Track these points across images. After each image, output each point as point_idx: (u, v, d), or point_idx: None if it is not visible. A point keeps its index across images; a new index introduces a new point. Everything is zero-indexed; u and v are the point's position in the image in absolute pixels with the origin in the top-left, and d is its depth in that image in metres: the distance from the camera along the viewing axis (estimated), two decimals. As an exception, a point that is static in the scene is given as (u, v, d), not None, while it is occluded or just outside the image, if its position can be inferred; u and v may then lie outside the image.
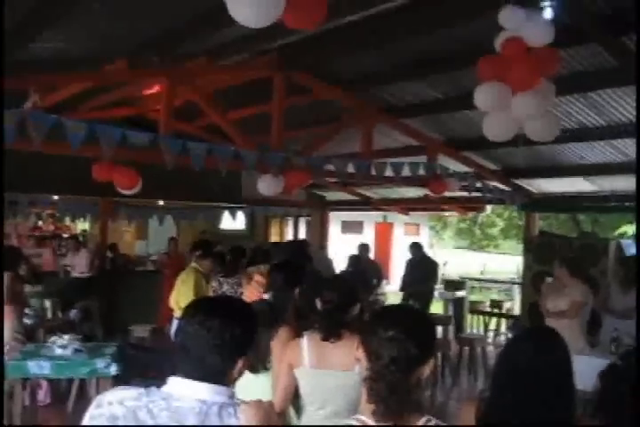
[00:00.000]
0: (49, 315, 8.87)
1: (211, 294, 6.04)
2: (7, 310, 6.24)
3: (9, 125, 4.65)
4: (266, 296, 3.58)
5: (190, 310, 1.78)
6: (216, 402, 1.64)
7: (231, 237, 13.08)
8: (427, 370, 1.82)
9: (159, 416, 1.61)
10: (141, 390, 1.69)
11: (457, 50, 5.96)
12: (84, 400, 6.64)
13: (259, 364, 3.05)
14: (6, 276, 6.29)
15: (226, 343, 1.68)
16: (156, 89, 7.29)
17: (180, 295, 6.19)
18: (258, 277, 4.98)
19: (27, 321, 6.86)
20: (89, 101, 8.01)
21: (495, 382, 2.20)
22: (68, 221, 14.44)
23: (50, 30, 5.00)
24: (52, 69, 6.03)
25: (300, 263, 4.12)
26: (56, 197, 10.99)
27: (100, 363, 5.47)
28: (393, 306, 2.39)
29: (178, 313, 6.35)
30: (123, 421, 1.61)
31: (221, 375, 1.69)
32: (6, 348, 6.11)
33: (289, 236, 16.03)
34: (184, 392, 1.65)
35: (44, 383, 6.59)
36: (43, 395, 6.64)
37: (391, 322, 1.82)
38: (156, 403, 1.64)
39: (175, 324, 6.40)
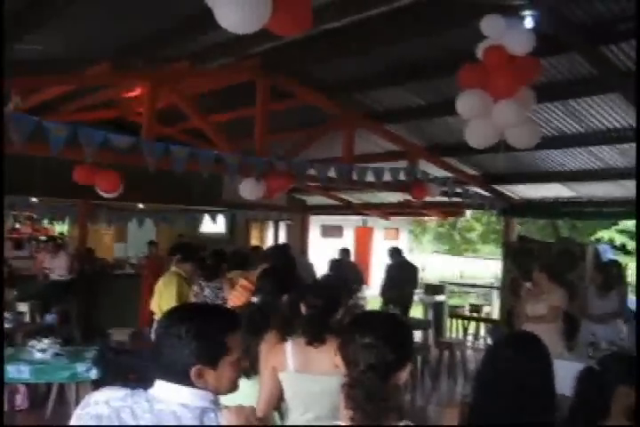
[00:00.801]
0: (27, 318, 8.79)
1: (192, 298, 6.02)
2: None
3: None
4: (254, 300, 3.58)
5: (164, 317, 1.79)
6: (198, 406, 1.64)
7: (211, 241, 13.03)
8: (404, 375, 1.84)
9: (142, 418, 1.62)
10: (128, 391, 1.70)
11: (439, 57, 6.04)
12: (63, 405, 6.58)
13: (250, 369, 3.06)
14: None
15: (203, 350, 1.66)
16: (138, 91, 7.27)
17: (163, 300, 6.14)
18: (243, 282, 4.97)
19: (5, 325, 6.81)
20: (71, 103, 7.97)
21: (478, 387, 2.22)
22: (45, 223, 14.34)
23: (34, 32, 4.98)
24: (35, 71, 5.99)
25: (288, 269, 4.12)
26: (34, 200, 10.90)
27: (80, 367, 5.44)
28: (369, 312, 2.42)
29: (159, 317, 6.32)
30: (107, 421, 1.62)
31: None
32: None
33: (269, 240, 16.01)
34: (167, 395, 1.65)
35: (22, 388, 6.53)
36: (21, 400, 6.57)
37: (367, 329, 1.84)
38: (139, 404, 1.65)
39: (156, 327, 6.37)
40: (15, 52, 5.55)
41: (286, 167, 6.50)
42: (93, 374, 5.45)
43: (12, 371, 5.30)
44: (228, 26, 2.92)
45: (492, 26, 4.31)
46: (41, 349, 5.58)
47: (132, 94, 7.59)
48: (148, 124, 6.02)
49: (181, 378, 1.65)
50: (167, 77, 6.37)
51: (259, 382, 3.07)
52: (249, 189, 6.53)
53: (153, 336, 6.45)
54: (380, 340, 1.78)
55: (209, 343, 1.69)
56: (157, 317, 6.39)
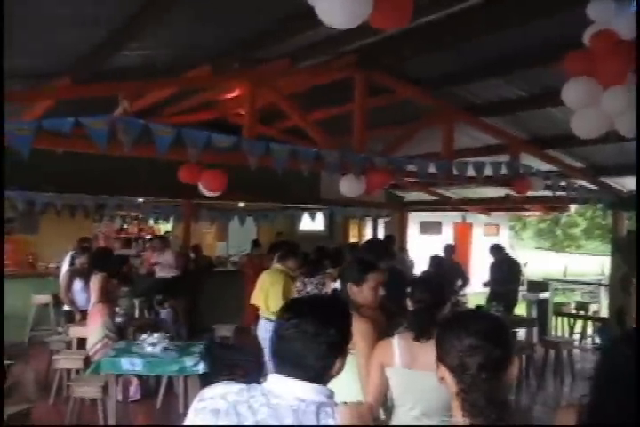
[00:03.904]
0: (136, 314, 9.16)
1: (295, 294, 6.10)
2: (100, 308, 6.49)
3: (101, 131, 4.84)
4: (336, 286, 3.60)
5: (285, 312, 1.80)
6: (314, 401, 1.66)
7: (310, 239, 13.18)
8: (515, 371, 1.80)
9: (259, 411, 1.65)
10: (243, 385, 1.74)
11: (539, 46, 5.83)
12: (171, 397, 6.84)
13: None
14: (100, 275, 6.55)
15: (322, 345, 1.70)
16: (237, 93, 7.42)
17: (270, 297, 6.25)
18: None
19: (117, 320, 7.11)
20: (173, 106, 8.24)
21: (595, 388, 2.13)
22: (151, 223, 14.87)
23: (138, 40, 5.16)
24: (140, 76, 6.22)
25: (370, 260, 4.06)
26: (140, 200, 11.34)
27: (188, 361, 5.60)
28: (461, 314, 2.36)
29: (265, 313, 6.44)
30: (224, 415, 1.66)
31: (320, 375, 1.71)
32: (99, 345, 6.37)
33: (368, 237, 16.01)
34: (283, 390, 1.68)
35: (135, 380, 6.81)
36: (133, 391, 6.86)
37: (465, 331, 1.79)
38: (256, 398, 1.67)
39: (262, 324, 6.50)
40: (122, 58, 5.78)
41: (386, 163, 6.46)
42: (201, 368, 5.59)
43: (125, 364, 5.53)
44: (330, 22, 2.93)
45: (600, 10, 4.14)
46: (152, 343, 5.80)
47: (231, 95, 7.76)
48: (249, 123, 6.12)
49: (305, 372, 1.69)
50: (266, 77, 6.46)
51: (359, 377, 3.08)
52: (349, 186, 6.53)
53: (258, 332, 6.60)
54: (481, 338, 1.74)
55: (338, 336, 1.73)
56: (262, 313, 6.52)
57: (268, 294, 6.33)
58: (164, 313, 8.80)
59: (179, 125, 5.44)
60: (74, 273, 8.17)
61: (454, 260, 11.03)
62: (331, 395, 1.71)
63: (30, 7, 4.31)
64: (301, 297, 4.13)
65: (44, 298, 10.00)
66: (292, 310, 1.81)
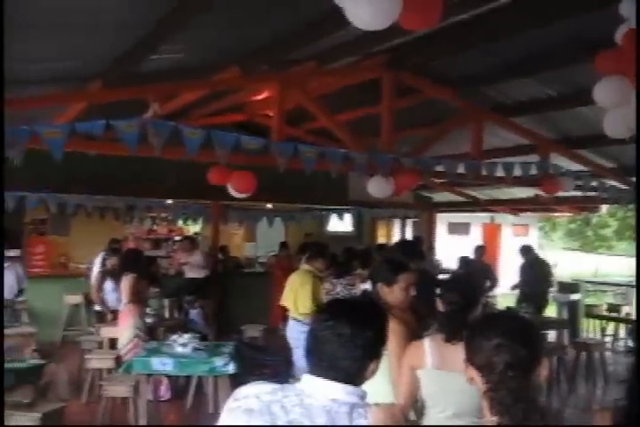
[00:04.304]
0: (166, 314, 9.24)
1: (324, 295, 6.11)
2: (130, 308, 6.57)
3: (132, 133, 4.90)
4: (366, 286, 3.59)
5: (321, 313, 1.82)
6: (347, 402, 1.66)
7: (338, 240, 13.18)
8: (545, 371, 1.80)
9: (292, 411, 1.65)
10: (276, 385, 1.75)
11: (569, 45, 5.77)
12: (201, 397, 6.89)
13: None
14: (130, 276, 6.62)
15: (358, 347, 1.70)
16: (265, 95, 7.46)
17: (299, 298, 6.27)
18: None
19: (147, 320, 7.18)
20: (201, 108, 8.31)
21: (632, 391, 2.10)
22: (180, 224, 14.99)
23: (168, 43, 5.21)
24: (170, 79, 6.28)
25: (401, 260, 4.05)
26: (170, 202, 11.44)
27: (218, 361, 5.63)
28: (489, 315, 2.36)
29: (294, 314, 6.46)
30: (258, 414, 1.66)
31: (354, 377, 1.72)
32: (130, 345, 6.43)
33: (396, 238, 15.98)
34: (316, 390, 1.69)
35: (165, 380, 6.87)
36: (164, 391, 6.92)
37: (493, 331, 1.82)
38: (289, 398, 1.68)
39: (291, 324, 6.52)
40: (152, 61, 5.83)
41: (414, 164, 6.44)
42: (231, 368, 5.62)
43: (156, 363, 5.58)
44: (360, 23, 2.93)
45: (633, 8, 4.08)
46: (182, 343, 5.84)
47: (260, 97, 7.79)
48: (278, 125, 6.14)
49: (339, 374, 1.69)
50: (295, 79, 6.47)
51: (390, 379, 3.07)
52: (377, 187, 6.53)
53: (287, 333, 6.62)
54: (508, 338, 1.76)
55: (374, 339, 1.74)
56: (291, 314, 6.54)
57: (296, 295, 6.35)
58: (194, 314, 8.87)
59: (207, 127, 5.48)
60: (105, 274, 8.27)
61: (484, 261, 10.96)
62: (363, 396, 1.71)
63: (62, 13, 4.37)
64: (338, 298, 4.14)
65: (76, 298, 10.14)
66: (328, 311, 1.82)
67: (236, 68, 6.26)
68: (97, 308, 8.56)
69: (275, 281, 10.60)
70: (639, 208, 6.43)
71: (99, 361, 6.92)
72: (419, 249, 5.99)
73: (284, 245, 12.22)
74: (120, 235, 11.91)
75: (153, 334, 7.17)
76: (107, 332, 7.36)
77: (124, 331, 6.57)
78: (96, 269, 8.86)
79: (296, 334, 6.30)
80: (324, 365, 1.72)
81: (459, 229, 18.91)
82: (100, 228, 10.99)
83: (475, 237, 18.64)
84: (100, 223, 10.87)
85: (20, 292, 8.00)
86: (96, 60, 5.80)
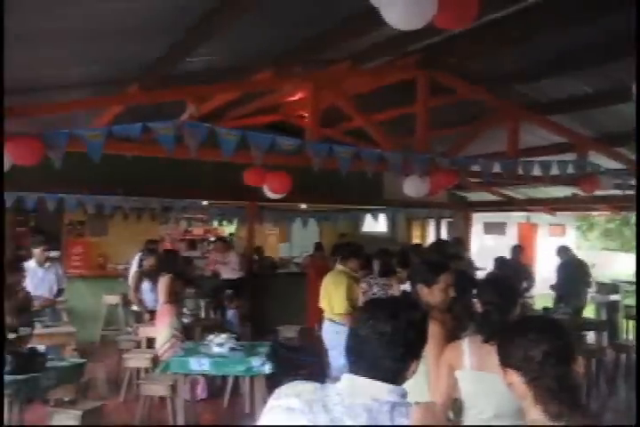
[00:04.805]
0: (202, 315, 9.32)
1: (360, 296, 6.10)
2: (167, 308, 6.64)
3: (168, 136, 4.95)
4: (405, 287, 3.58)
5: (362, 312, 1.82)
6: (388, 401, 1.66)
7: (373, 240, 13.14)
8: (580, 368, 1.81)
9: (333, 410, 1.65)
10: (317, 384, 1.76)
11: (606, 42, 5.66)
12: (238, 396, 6.93)
13: None
14: (167, 277, 6.69)
15: (399, 347, 1.71)
16: (299, 95, 7.48)
17: (334, 299, 6.27)
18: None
19: (184, 320, 7.25)
20: (235, 110, 8.35)
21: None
22: (215, 224, 15.10)
23: (204, 45, 5.24)
24: (205, 81, 6.32)
25: (441, 261, 4.04)
26: (205, 203, 11.53)
27: (255, 361, 5.66)
28: (518, 319, 2.36)
29: (329, 315, 6.46)
30: (299, 413, 1.67)
31: (394, 376, 1.72)
32: (167, 345, 6.51)
33: (431, 238, 15.88)
34: (357, 389, 1.69)
35: (202, 379, 6.92)
36: (200, 390, 6.97)
37: (525, 328, 1.87)
38: (330, 398, 1.68)
39: (326, 325, 6.51)
40: (188, 64, 5.89)
41: (450, 164, 6.40)
42: (267, 368, 5.64)
43: (193, 363, 5.63)
44: (396, 23, 2.92)
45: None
46: (219, 343, 5.88)
47: (294, 98, 7.81)
48: (312, 125, 6.15)
49: (380, 373, 1.70)
50: (329, 79, 6.47)
51: (428, 380, 3.06)
52: (412, 187, 6.49)
53: (323, 333, 6.61)
54: (542, 332, 1.81)
55: (415, 339, 1.74)
56: (327, 314, 6.54)
57: (331, 296, 6.34)
58: (230, 314, 8.92)
59: (242, 129, 5.52)
60: (142, 274, 8.37)
61: (521, 261, 10.83)
62: (404, 395, 1.71)
63: (100, 18, 4.43)
64: (378, 298, 4.13)
65: (114, 298, 10.27)
66: (369, 310, 1.83)
67: (270, 69, 6.29)
68: (134, 308, 8.66)
69: (309, 282, 10.62)
70: (639, 209, 6.31)
71: (136, 360, 7.00)
72: (457, 250, 5.95)
73: (318, 246, 12.23)
74: (156, 236, 12.04)
75: (190, 334, 7.24)
76: (144, 332, 7.45)
77: (162, 331, 6.64)
78: (133, 269, 8.97)
79: (331, 335, 6.30)
80: (364, 364, 1.72)
81: (494, 228, 18.72)
82: (136, 229, 11.12)
83: (511, 237, 18.44)
84: (137, 224, 11.01)
85: (60, 292, 8.13)
86: (133, 64, 5.87)
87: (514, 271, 9.84)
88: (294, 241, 15.90)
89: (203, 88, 6.20)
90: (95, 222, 11.31)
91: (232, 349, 5.86)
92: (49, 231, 10.45)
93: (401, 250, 6.99)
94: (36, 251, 7.92)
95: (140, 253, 9.12)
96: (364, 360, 1.72)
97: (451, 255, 4.60)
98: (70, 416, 4.94)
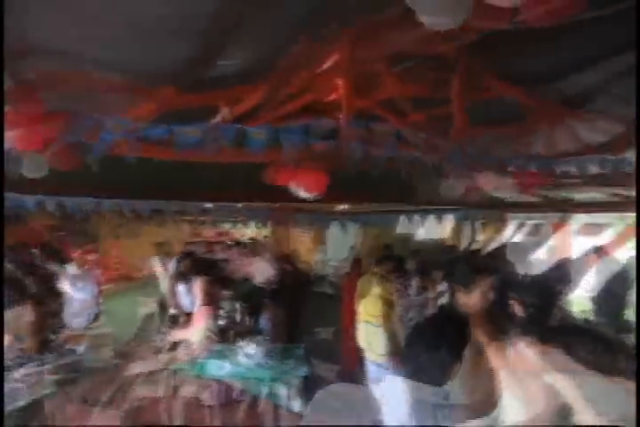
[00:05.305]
0: (238, 318, 9.32)
1: (395, 297, 6.04)
2: (203, 310, 6.66)
3: (198, 138, 4.93)
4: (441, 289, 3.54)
5: (421, 324, 1.84)
6: (432, 403, 1.64)
7: (407, 241, 12.99)
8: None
9: (376, 411, 1.67)
10: (359, 386, 1.77)
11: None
12: (269, 400, 6.88)
13: None
14: (202, 279, 6.71)
15: (441, 351, 1.70)
16: (333, 97, 7.41)
17: (368, 300, 6.24)
18: None
19: (220, 322, 7.26)
20: (267, 111, 8.31)
21: None
22: (249, 227, 15.12)
23: (232, 48, 5.23)
24: (238, 82, 6.30)
25: (480, 263, 3.98)
26: (239, 205, 11.53)
27: (288, 365, 5.64)
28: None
29: (364, 317, 6.40)
30: (342, 413, 1.69)
31: (437, 378, 1.70)
32: (201, 347, 6.52)
33: (465, 239, 15.61)
34: (401, 391, 1.69)
35: (234, 383, 6.90)
36: (235, 394, 6.95)
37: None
38: (374, 398, 1.70)
39: (361, 327, 6.46)
40: (218, 67, 5.87)
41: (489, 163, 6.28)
42: (301, 372, 5.61)
43: (226, 366, 5.65)
44: (432, 23, 2.87)
45: None
46: (252, 347, 5.86)
47: (329, 99, 7.75)
48: (346, 125, 6.07)
49: (423, 375, 1.68)
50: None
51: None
52: (449, 188, 6.40)
53: (358, 335, 6.55)
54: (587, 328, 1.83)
55: (456, 343, 1.76)
56: (361, 316, 6.49)
57: (364, 298, 6.31)
58: (264, 320, 8.89)
59: (274, 128, 5.47)
60: (178, 277, 8.41)
61: (559, 262, 10.64)
62: (446, 397, 1.69)
63: (136, 19, 4.45)
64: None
65: (150, 301, 10.35)
66: (429, 320, 1.85)
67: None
68: (170, 310, 8.71)
69: (345, 284, 10.54)
70: None
71: (171, 361, 7.02)
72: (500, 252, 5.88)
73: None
74: (192, 238, 12.11)
75: (224, 337, 7.24)
76: (179, 333, 7.47)
77: (196, 333, 6.66)
78: (169, 272, 9.03)
79: (366, 337, 6.25)
80: (408, 366, 1.71)
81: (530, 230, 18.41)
82: (172, 232, 11.20)
83: (545, 237, 18.11)
84: (172, 227, 11.08)
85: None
86: (168, 67, 5.88)
87: (553, 273, 9.67)
88: (330, 244, 15.65)
89: (234, 89, 6.17)
90: (131, 225, 11.43)
91: (264, 352, 5.83)
92: (92, 235, 10.61)
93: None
94: (75, 254, 8.04)
95: (176, 256, 9.18)
96: (407, 363, 1.72)
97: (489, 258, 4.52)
98: (108, 415, 4.98)
